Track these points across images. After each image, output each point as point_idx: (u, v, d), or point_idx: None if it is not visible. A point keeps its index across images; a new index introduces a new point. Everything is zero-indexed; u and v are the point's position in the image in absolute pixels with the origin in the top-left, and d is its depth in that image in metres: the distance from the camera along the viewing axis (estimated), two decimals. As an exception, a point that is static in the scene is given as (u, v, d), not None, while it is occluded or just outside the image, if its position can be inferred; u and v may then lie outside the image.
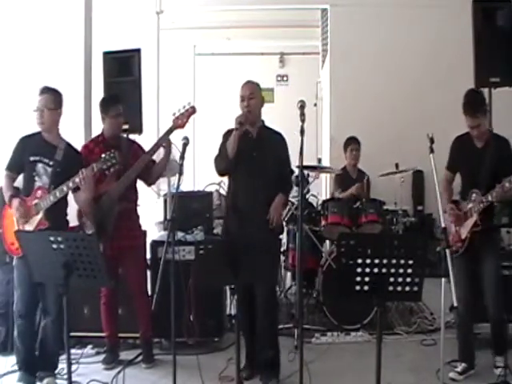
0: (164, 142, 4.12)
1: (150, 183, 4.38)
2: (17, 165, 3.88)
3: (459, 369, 3.94)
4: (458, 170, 4.06)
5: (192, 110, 4.06)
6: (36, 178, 3.78)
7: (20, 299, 3.78)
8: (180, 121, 4.05)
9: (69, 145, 3.93)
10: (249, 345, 4.05)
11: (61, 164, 3.78)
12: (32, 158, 3.80)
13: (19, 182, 3.92)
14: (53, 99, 3.82)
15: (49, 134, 3.86)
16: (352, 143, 5.87)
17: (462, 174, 4.05)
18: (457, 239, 3.90)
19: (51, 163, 3.79)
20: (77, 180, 3.66)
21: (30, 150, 3.82)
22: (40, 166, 3.79)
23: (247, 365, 4.02)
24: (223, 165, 3.90)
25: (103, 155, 3.71)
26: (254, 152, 3.89)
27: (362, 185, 5.65)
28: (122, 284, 4.25)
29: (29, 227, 3.71)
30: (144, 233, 4.50)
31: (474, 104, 3.85)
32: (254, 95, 3.92)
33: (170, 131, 4.09)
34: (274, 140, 4.00)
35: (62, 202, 3.80)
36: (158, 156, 4.26)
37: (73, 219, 4.06)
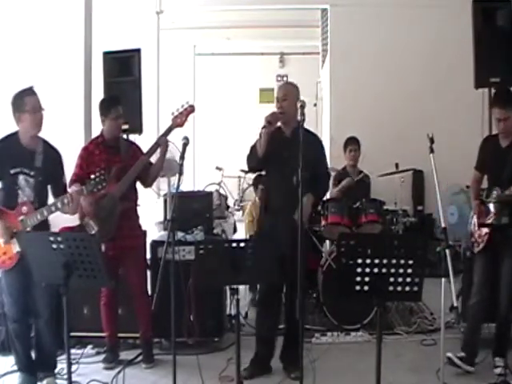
0: (163, 141, 4.12)
1: (147, 185, 4.35)
2: None
3: (459, 354, 3.93)
4: (485, 170, 4.09)
5: (191, 109, 4.06)
6: (19, 192, 3.66)
7: (12, 306, 3.75)
8: (179, 120, 4.06)
9: (46, 143, 3.80)
10: (262, 347, 4.07)
11: (41, 171, 3.68)
12: (13, 171, 3.65)
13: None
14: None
15: (31, 136, 3.71)
16: (351, 144, 5.85)
17: (487, 174, 4.09)
18: (478, 236, 3.95)
19: (32, 173, 3.67)
20: (65, 201, 3.55)
21: (9, 161, 3.66)
22: (21, 178, 3.66)
23: (250, 366, 4.02)
24: (254, 162, 4.04)
25: (92, 176, 3.57)
26: (287, 152, 3.90)
27: (351, 179, 5.70)
28: (122, 284, 4.25)
29: (15, 244, 3.55)
30: (144, 233, 4.50)
31: (505, 96, 3.88)
32: (287, 97, 4.01)
33: (169, 130, 4.10)
34: (308, 141, 3.96)
35: None
36: (156, 156, 4.26)
37: (70, 220, 4.04)
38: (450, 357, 3.92)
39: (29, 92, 3.68)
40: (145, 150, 4.26)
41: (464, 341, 4.03)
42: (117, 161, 4.12)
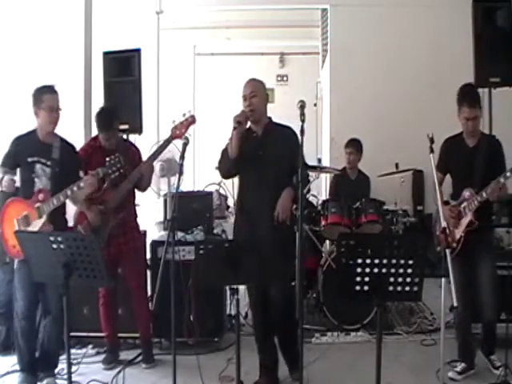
0: (146, 168, 4.07)
1: (141, 191, 4.32)
2: (11, 163, 3.80)
3: (458, 368, 3.94)
4: (448, 171, 4.03)
5: (191, 120, 3.95)
6: (35, 180, 3.74)
7: (22, 302, 3.77)
8: (178, 131, 3.95)
9: (62, 140, 3.88)
10: (265, 352, 3.91)
11: (58, 162, 3.75)
12: (30, 159, 3.75)
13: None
14: (59, 99, 3.79)
15: (46, 132, 3.81)
16: (349, 146, 5.81)
17: (453, 175, 4.02)
18: (451, 240, 3.88)
19: (49, 163, 3.75)
20: (82, 184, 3.63)
21: (26, 151, 3.76)
22: (38, 166, 3.75)
23: (261, 378, 3.89)
24: (226, 167, 3.80)
25: (108, 159, 3.67)
26: (260, 151, 3.77)
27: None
28: (121, 284, 4.24)
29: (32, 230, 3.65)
30: (143, 234, 4.49)
31: (473, 94, 3.86)
32: (255, 93, 3.78)
33: (167, 141, 4.02)
34: (282, 135, 3.85)
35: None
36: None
37: (70, 220, 4.05)
38: (452, 378, 3.91)
39: (48, 90, 3.76)
40: (143, 150, 4.25)
41: (459, 348, 4.01)
42: None
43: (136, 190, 4.34)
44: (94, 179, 3.65)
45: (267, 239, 3.59)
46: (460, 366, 3.94)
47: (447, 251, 3.56)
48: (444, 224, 3.71)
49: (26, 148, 3.78)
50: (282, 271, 3.50)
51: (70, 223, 4.05)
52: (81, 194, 3.74)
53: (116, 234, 4.08)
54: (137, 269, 4.26)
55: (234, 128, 3.68)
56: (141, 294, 4.26)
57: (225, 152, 3.80)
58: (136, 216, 4.36)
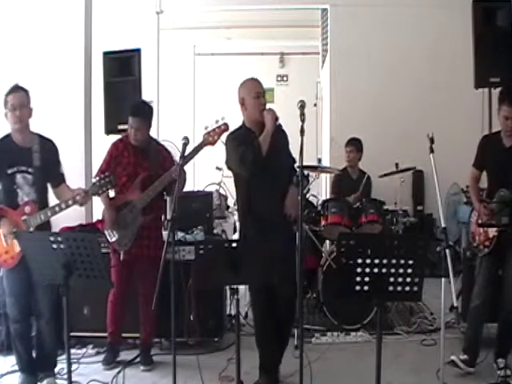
0: (190, 159, 3.92)
1: (169, 195, 4.31)
2: None
3: (462, 357, 3.92)
4: (484, 169, 4.04)
5: (225, 128, 3.87)
6: (18, 190, 3.65)
7: (13, 307, 3.73)
8: (211, 138, 3.89)
9: (41, 137, 3.77)
10: (267, 354, 3.89)
11: (41, 169, 3.66)
12: (10, 171, 3.64)
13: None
14: (26, 96, 3.70)
15: (21, 133, 3.69)
16: (349, 145, 5.87)
17: (488, 173, 4.03)
18: (484, 238, 3.88)
19: (30, 170, 3.65)
20: (70, 203, 3.54)
21: (5, 161, 3.64)
22: (19, 176, 3.65)
23: (261, 378, 3.87)
24: (258, 162, 3.63)
25: (96, 179, 3.59)
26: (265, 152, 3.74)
27: (359, 195, 5.57)
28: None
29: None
30: (162, 245, 4.44)
31: None
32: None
33: (199, 147, 3.92)
34: (277, 135, 3.84)
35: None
36: None
37: (70, 220, 4.03)
38: (453, 360, 3.91)
39: (12, 89, 3.70)
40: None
41: (466, 342, 4.01)
42: (145, 166, 4.08)
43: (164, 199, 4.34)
44: (86, 197, 3.56)
45: (281, 239, 3.59)
46: (464, 356, 3.92)
47: (447, 251, 3.55)
48: (444, 224, 3.71)
49: (4, 158, 3.65)
50: (294, 271, 3.50)
51: (67, 223, 4.02)
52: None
53: (144, 236, 4.07)
54: (150, 276, 4.10)
55: (275, 123, 3.68)
56: (149, 302, 4.17)
57: (253, 149, 3.64)
58: (160, 226, 4.34)
